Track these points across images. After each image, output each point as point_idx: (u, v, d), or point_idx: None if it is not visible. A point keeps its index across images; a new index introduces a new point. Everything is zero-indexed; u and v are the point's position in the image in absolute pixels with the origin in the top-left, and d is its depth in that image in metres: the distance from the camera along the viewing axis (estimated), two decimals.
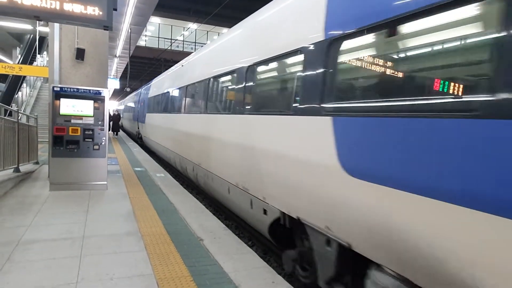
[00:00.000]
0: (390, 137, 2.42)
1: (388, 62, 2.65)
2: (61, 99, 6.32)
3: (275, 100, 4.13)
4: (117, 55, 21.97)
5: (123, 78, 34.23)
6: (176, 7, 28.99)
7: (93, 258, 3.51)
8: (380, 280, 2.64)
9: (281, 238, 4.29)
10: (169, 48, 27.42)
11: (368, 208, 2.59)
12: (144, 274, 3.20)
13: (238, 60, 5.17)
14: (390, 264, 2.52)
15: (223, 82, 5.97)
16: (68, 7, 4.53)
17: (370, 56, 2.76)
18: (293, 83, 3.68)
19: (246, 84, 4.76)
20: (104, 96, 6.56)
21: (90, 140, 6.46)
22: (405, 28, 2.49)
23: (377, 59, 2.71)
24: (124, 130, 26.77)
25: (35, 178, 7.47)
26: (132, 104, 21.31)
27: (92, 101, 6.49)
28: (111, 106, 38.31)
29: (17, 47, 26.20)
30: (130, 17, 14.28)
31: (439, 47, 2.28)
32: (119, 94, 45.79)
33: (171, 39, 30.69)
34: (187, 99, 8.10)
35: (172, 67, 11.39)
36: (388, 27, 2.60)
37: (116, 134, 21.97)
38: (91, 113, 6.49)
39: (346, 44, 2.98)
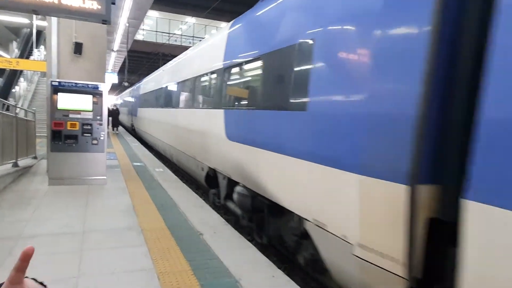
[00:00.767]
0: (242, 119, 4.79)
1: (242, 82, 5.14)
2: (59, 94, 6.29)
3: (203, 100, 6.91)
4: (115, 49, 21.83)
5: (121, 72, 34.10)
6: (174, 1, 28.80)
7: (93, 252, 3.52)
8: (238, 189, 5.07)
9: (211, 184, 6.59)
10: (167, 42, 27.27)
11: (236, 155, 4.96)
12: (145, 268, 3.22)
13: (182, 75, 8.51)
14: (244, 181, 4.83)
15: (180, 87, 8.79)
16: (66, 1, 4.48)
17: (236, 79, 5.35)
18: (211, 91, 6.31)
19: (194, 89, 7.52)
20: (102, 91, 6.54)
21: (89, 134, 6.45)
22: (248, 65, 4.86)
23: (239, 81, 5.24)
24: (121, 124, 26.71)
25: (34, 173, 7.46)
26: (127, 100, 24.33)
27: (90, 96, 6.47)
28: (110, 100, 38.10)
29: (14, 41, 26.01)
30: (128, 10, 14.17)
31: (259, 77, 4.48)
32: (117, 88, 45.61)
33: (169, 33, 30.52)
34: (162, 97, 11.00)
35: (156, 71, 14.32)
36: (241, 64, 5.07)
37: (116, 130, 20.95)
38: (90, 108, 6.47)
39: (229, 71, 5.48)
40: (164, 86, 10.90)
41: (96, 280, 2.94)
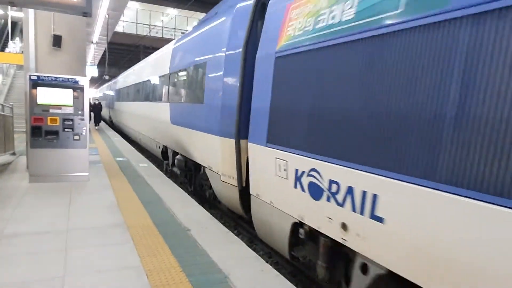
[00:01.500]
0: (177, 109, 6.87)
1: (178, 84, 7.07)
2: (38, 88, 6.11)
3: (157, 96, 8.87)
4: (94, 42, 21.31)
5: (101, 65, 33.31)
6: None
7: (78, 251, 3.46)
8: (178, 157, 7.25)
9: (164, 157, 9.10)
10: (148, 34, 26.76)
11: (175, 133, 7.06)
12: (132, 266, 3.19)
13: (145, 76, 10.83)
14: (181, 151, 7.00)
15: (143, 85, 11.00)
16: None
17: (175, 82, 7.34)
18: (162, 90, 8.36)
19: (152, 88, 9.64)
20: (83, 85, 6.38)
21: (70, 130, 6.30)
22: (180, 73, 6.91)
23: (176, 83, 7.22)
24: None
25: (13, 170, 7.25)
26: (105, 93, 26.26)
27: (71, 90, 6.30)
28: (90, 94, 37.23)
29: None
30: (107, 1, 13.82)
31: (186, 82, 6.58)
32: (97, 81, 44.60)
33: (149, 25, 29.93)
34: (131, 93, 13.46)
35: (127, 70, 17.26)
36: (177, 72, 7.12)
37: (97, 125, 20.15)
38: (71, 103, 6.31)
39: (172, 77, 7.45)
40: (132, 83, 13.41)
41: (82, 279, 2.90)
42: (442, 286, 2.08)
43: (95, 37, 20.43)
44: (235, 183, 4.63)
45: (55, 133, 6.20)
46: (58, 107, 6.24)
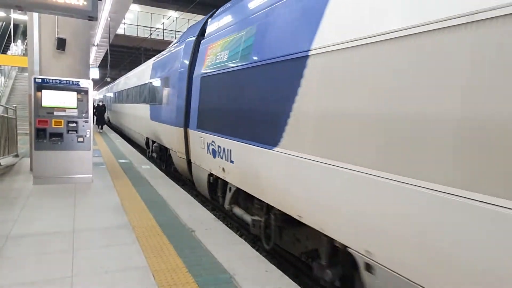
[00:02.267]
0: (153, 109, 9.53)
1: (152, 91, 9.93)
2: (43, 91, 6.17)
3: (141, 99, 11.43)
4: (96, 44, 21.41)
5: (102, 67, 33.39)
6: None
7: (85, 251, 3.51)
8: (155, 144, 10.11)
9: (147, 146, 11.40)
10: (149, 37, 26.86)
11: (153, 128, 9.66)
12: (139, 266, 3.24)
13: (133, 83, 13.79)
14: (156, 140, 9.61)
15: (131, 90, 14.07)
16: None
17: (151, 88, 10.13)
18: (144, 94, 11.04)
19: (138, 92, 12.31)
20: (87, 87, 6.44)
21: (74, 132, 6.35)
22: (154, 83, 9.76)
23: (152, 89, 10.04)
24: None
25: (17, 172, 7.30)
26: (104, 96, 28.87)
27: (75, 93, 6.36)
28: (94, 96, 37.37)
29: None
30: (109, 4, 13.92)
31: (158, 89, 9.30)
32: (98, 83, 44.69)
33: (150, 27, 30.05)
34: (123, 96, 16.64)
35: (120, 78, 20.85)
36: (153, 81, 10.02)
37: (101, 128, 19.03)
38: (75, 105, 6.37)
39: (151, 85, 10.12)
40: (124, 88, 16.57)
41: (91, 280, 2.95)
42: (258, 188, 4.19)
43: (97, 40, 20.52)
44: (184, 156, 6.93)
45: (60, 135, 6.26)
46: (63, 109, 6.30)
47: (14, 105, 9.22)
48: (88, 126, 6.43)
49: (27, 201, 5.17)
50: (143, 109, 11.02)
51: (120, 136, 17.05)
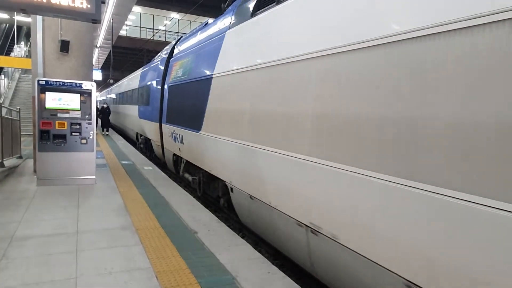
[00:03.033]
0: (141, 109, 12.12)
1: (141, 95, 12.46)
2: (47, 93, 6.21)
3: (132, 101, 14.39)
4: (99, 46, 21.50)
5: (104, 68, 33.51)
6: None
7: (89, 253, 3.54)
8: (141, 137, 13.12)
9: (138, 140, 14.02)
10: (152, 38, 26.95)
11: (141, 124, 12.10)
12: (142, 267, 3.26)
13: (127, 88, 16.63)
14: (143, 134, 12.34)
15: (125, 94, 16.60)
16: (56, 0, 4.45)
17: (139, 93, 12.78)
18: (135, 97, 13.67)
19: (130, 96, 15.23)
20: (90, 89, 6.49)
21: (78, 134, 6.40)
22: (142, 89, 12.25)
23: (139, 94, 12.64)
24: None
25: (20, 173, 7.35)
26: (105, 98, 30.57)
27: (78, 95, 6.41)
28: (101, 97, 37.58)
29: None
30: (112, 6, 13.99)
31: (144, 94, 11.82)
32: (100, 85, 44.83)
33: (153, 29, 30.15)
34: (120, 98, 19.36)
35: (117, 82, 24.27)
36: (140, 87, 12.74)
37: (107, 131, 18.12)
38: (78, 107, 6.41)
39: (139, 90, 12.87)
40: (120, 92, 19.58)
41: (95, 281, 2.97)
42: (194, 158, 6.59)
43: (100, 41, 20.62)
44: (160, 144, 9.51)
45: (63, 137, 6.30)
46: (66, 111, 6.34)
47: (18, 107, 9.29)
48: (91, 128, 6.47)
49: (31, 203, 5.21)
50: (133, 109, 13.79)
51: (122, 137, 17.11)
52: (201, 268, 3.30)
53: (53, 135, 6.24)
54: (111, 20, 16.96)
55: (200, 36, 6.98)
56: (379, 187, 2.41)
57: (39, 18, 6.93)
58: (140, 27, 30.92)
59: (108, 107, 18.65)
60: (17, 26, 19.99)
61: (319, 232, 3.08)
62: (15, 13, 17.13)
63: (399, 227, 2.30)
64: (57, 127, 6.26)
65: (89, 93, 6.46)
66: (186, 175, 7.59)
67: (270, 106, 3.84)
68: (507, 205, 1.72)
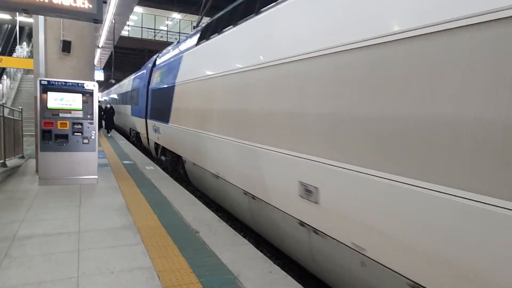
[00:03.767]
0: (133, 108, 14.71)
1: (131, 96, 15.55)
2: (49, 93, 6.23)
3: (127, 101, 16.77)
4: (100, 46, 21.54)
5: (106, 68, 33.57)
6: None
7: (91, 252, 3.55)
8: (133, 132, 16.09)
9: (131, 135, 17.01)
10: (153, 38, 26.99)
11: (132, 120, 15.02)
12: (144, 266, 3.27)
13: (121, 91, 20.10)
14: (134, 128, 15.28)
15: (121, 96, 20.03)
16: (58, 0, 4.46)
17: (132, 95, 15.48)
18: (128, 98, 16.55)
19: (124, 97, 17.99)
20: (92, 89, 6.50)
21: (80, 133, 6.41)
22: (133, 91, 15.34)
23: (131, 96, 15.65)
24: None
25: (23, 173, 7.37)
26: (106, 99, 33.28)
27: (80, 95, 6.42)
28: (101, 98, 37.66)
29: None
30: (114, 6, 14.01)
31: (134, 95, 14.84)
32: (102, 85, 44.92)
33: (154, 29, 30.21)
34: (115, 99, 22.69)
35: (114, 86, 27.42)
36: (131, 91, 16.05)
37: (109, 132, 17.72)
38: (80, 107, 6.42)
39: (131, 92, 15.69)
40: (118, 93, 22.08)
41: (96, 280, 2.98)
42: (166, 143, 9.14)
43: (101, 42, 20.66)
44: (146, 136, 11.86)
45: (65, 136, 6.32)
46: (68, 111, 6.35)
47: (20, 107, 9.31)
48: (93, 128, 6.49)
49: (33, 202, 5.22)
50: (127, 109, 16.43)
51: (124, 137, 17.15)
52: (202, 268, 3.30)
53: (55, 135, 6.26)
54: (113, 21, 16.99)
55: (171, 53, 9.47)
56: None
57: (41, 18, 6.94)
58: (141, 27, 30.96)
59: (112, 107, 18.06)
60: (19, 27, 20.05)
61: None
62: (17, 13, 17.18)
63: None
64: (59, 127, 6.28)
65: (91, 93, 6.47)
66: (162, 157, 10.03)
67: (202, 105, 6.21)
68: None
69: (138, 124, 13.33)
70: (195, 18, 29.18)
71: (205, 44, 6.36)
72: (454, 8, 2.00)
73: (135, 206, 5.23)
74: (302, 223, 3.50)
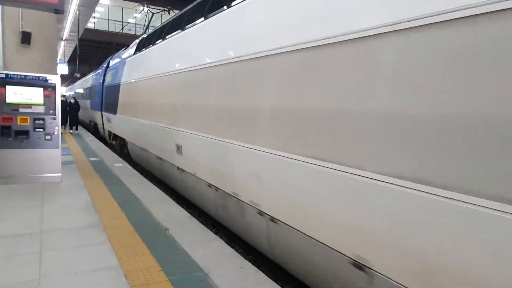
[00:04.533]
0: (91, 102, 17.50)
1: (91, 93, 17.73)
2: (7, 87, 5.90)
3: (87, 96, 19.67)
4: (64, 38, 20.67)
5: (71, 62, 32.32)
6: None
7: (54, 253, 3.40)
8: (92, 124, 17.91)
9: (91, 126, 18.81)
10: (121, 31, 26.21)
11: (91, 113, 17.12)
12: (111, 266, 3.17)
13: (82, 87, 23.37)
14: (93, 121, 17.36)
15: (82, 92, 22.60)
16: None
17: (91, 91, 17.72)
18: (88, 94, 19.23)
19: (85, 93, 20.68)
20: (55, 83, 6.22)
21: (41, 129, 6.13)
22: (93, 88, 17.29)
23: (92, 92, 17.40)
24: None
25: None
26: (70, 94, 33.81)
27: (41, 89, 6.13)
28: (64, 92, 36.21)
29: None
30: None
31: (95, 91, 16.63)
32: (67, 79, 43.23)
33: (122, 21, 29.32)
34: (79, 95, 23.71)
35: (79, 81, 29.04)
36: (93, 87, 17.89)
37: (76, 129, 16.11)
38: (41, 101, 6.13)
39: (90, 89, 18.51)
40: (80, 89, 24.03)
41: (59, 282, 2.86)
42: (115, 130, 11.95)
43: (65, 34, 19.81)
44: (102, 126, 14.30)
45: (26, 133, 6.02)
46: (29, 106, 6.05)
47: None
48: (56, 124, 6.21)
49: None
50: (87, 103, 18.39)
51: (91, 133, 16.61)
52: (172, 266, 3.24)
53: (14, 131, 5.95)
54: (77, 12, 16.32)
55: (118, 58, 11.99)
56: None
57: None
58: (108, 19, 29.96)
59: (76, 102, 16.77)
60: None
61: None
62: None
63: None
64: (19, 123, 5.97)
65: (53, 87, 6.19)
66: (113, 142, 12.47)
67: (135, 100, 8.65)
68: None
69: (96, 116, 15.50)
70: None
71: (139, 54, 8.82)
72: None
73: (102, 204, 5.07)
74: (178, 168, 6.04)
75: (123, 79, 10.01)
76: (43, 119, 6.12)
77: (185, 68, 5.55)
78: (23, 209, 4.71)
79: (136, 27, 30.21)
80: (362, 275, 2.47)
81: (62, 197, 5.34)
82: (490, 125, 1.67)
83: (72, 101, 16.73)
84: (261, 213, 3.67)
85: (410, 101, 2.01)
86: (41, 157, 6.14)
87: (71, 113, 15.98)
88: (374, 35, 2.23)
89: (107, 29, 28.92)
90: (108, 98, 12.46)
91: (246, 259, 4.66)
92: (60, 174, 6.30)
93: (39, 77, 6.11)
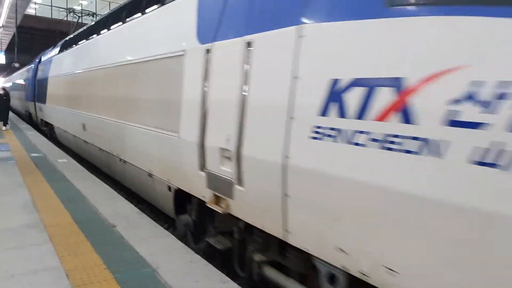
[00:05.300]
0: (26, 94, 19.07)
1: (29, 84, 17.85)
2: None
3: (21, 88, 21.39)
4: (1, 25, 19.10)
5: (10, 51, 29.96)
6: None
7: None
8: (33, 114, 17.53)
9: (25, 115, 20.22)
10: (65, 19, 24.68)
11: (26, 104, 18.91)
12: (51, 267, 3.00)
13: (17, 79, 25.06)
14: (25, 109, 19.81)
15: (18, 84, 24.02)
16: None
17: (24, 82, 20.39)
18: (24, 86, 20.15)
19: (20, 86, 22.50)
20: None
21: None
22: (30, 80, 18.12)
23: (25, 83, 20.23)
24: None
25: None
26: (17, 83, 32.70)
27: None
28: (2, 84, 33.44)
29: None
30: None
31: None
32: (5, 69, 40.09)
33: (66, 8, 27.60)
34: (14, 87, 25.17)
35: (13, 74, 29.63)
36: (29, 78, 19.00)
37: (8, 126, 13.96)
38: None
39: (25, 82, 19.81)
40: (15, 82, 25.08)
41: None
42: (50, 119, 13.15)
43: (2, 20, 18.32)
44: (35, 114, 15.77)
45: None
46: None
47: None
48: None
49: None
50: (22, 94, 19.83)
51: (33, 127, 15.57)
52: (119, 263, 3.13)
53: None
54: None
55: (47, 56, 13.83)
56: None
57: None
58: (51, 5, 28.09)
59: (6, 93, 14.37)
60: None
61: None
62: None
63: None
64: None
65: None
66: (44, 128, 13.92)
67: (59, 91, 10.66)
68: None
69: (30, 106, 16.80)
70: None
71: (61, 54, 11.36)
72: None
73: (43, 203, 4.78)
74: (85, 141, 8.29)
75: (50, 74, 12.38)
76: None
77: (84, 69, 8.25)
78: None
79: (82, 14, 28.60)
80: (151, 178, 4.88)
81: None
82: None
83: (1, 92, 14.19)
84: (121, 160, 5.97)
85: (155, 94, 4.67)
86: None
87: (0, 106, 13.81)
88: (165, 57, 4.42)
89: (50, 16, 27.15)
90: (39, 90, 14.15)
91: (197, 253, 4.64)
92: None
93: None
